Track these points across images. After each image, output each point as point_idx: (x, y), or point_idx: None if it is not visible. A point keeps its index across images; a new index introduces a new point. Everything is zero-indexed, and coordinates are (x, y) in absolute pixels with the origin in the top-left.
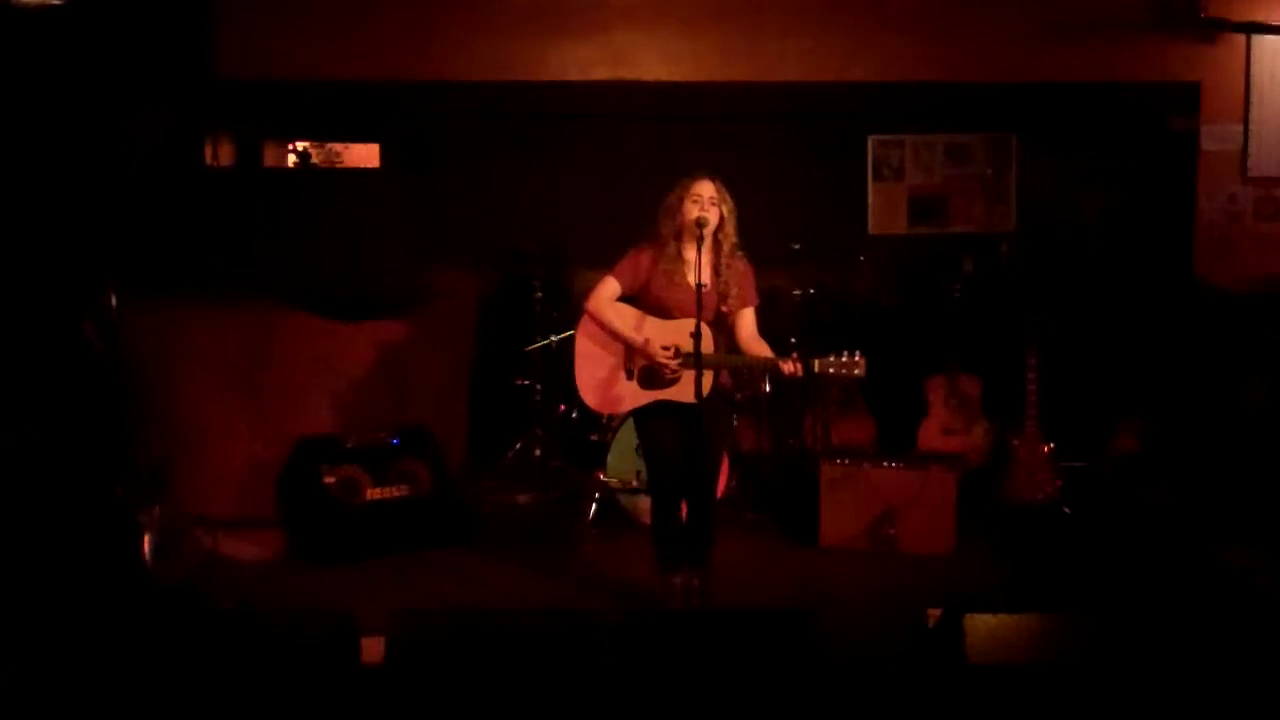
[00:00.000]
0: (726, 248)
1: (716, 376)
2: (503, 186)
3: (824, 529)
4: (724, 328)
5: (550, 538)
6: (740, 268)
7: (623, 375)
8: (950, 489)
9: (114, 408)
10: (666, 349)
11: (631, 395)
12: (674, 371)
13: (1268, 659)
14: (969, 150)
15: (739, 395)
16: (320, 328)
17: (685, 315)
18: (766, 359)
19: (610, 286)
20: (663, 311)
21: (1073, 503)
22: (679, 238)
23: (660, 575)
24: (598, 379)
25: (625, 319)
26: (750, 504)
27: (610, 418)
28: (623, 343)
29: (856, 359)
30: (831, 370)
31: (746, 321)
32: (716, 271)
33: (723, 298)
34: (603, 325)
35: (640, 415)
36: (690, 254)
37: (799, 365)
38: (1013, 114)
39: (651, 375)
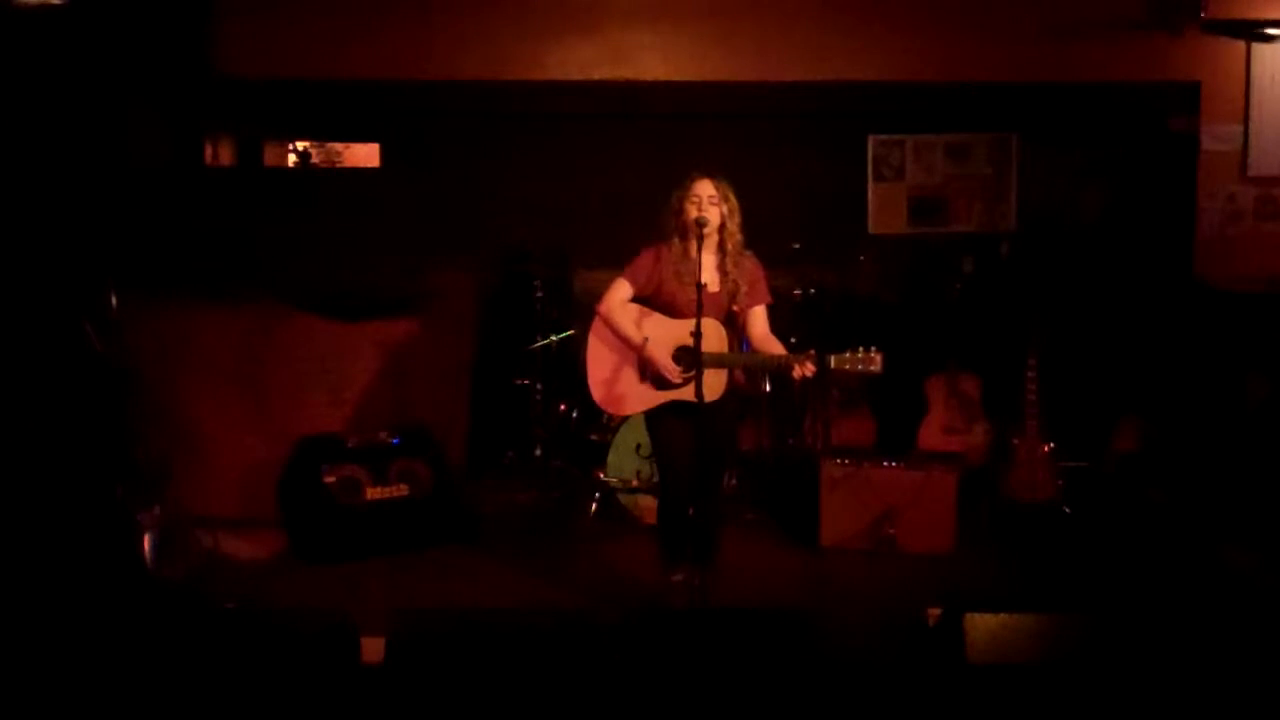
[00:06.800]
0: (731, 246)
1: (730, 375)
2: (503, 186)
3: (824, 529)
4: (734, 326)
5: (550, 537)
6: (749, 266)
7: (635, 375)
8: (950, 489)
9: (114, 407)
10: (677, 361)
11: (644, 396)
12: (683, 377)
13: (1268, 659)
14: (969, 150)
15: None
16: (320, 328)
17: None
18: (779, 357)
19: (623, 289)
20: (673, 311)
21: (1073, 502)
22: (683, 237)
23: (662, 574)
24: (610, 380)
25: (633, 320)
26: (750, 504)
27: (611, 417)
28: (630, 347)
29: (873, 354)
30: (848, 367)
31: (758, 320)
32: (723, 271)
33: (731, 297)
34: (614, 328)
35: (652, 414)
36: (694, 253)
37: (811, 367)
38: (1013, 114)
39: (664, 376)
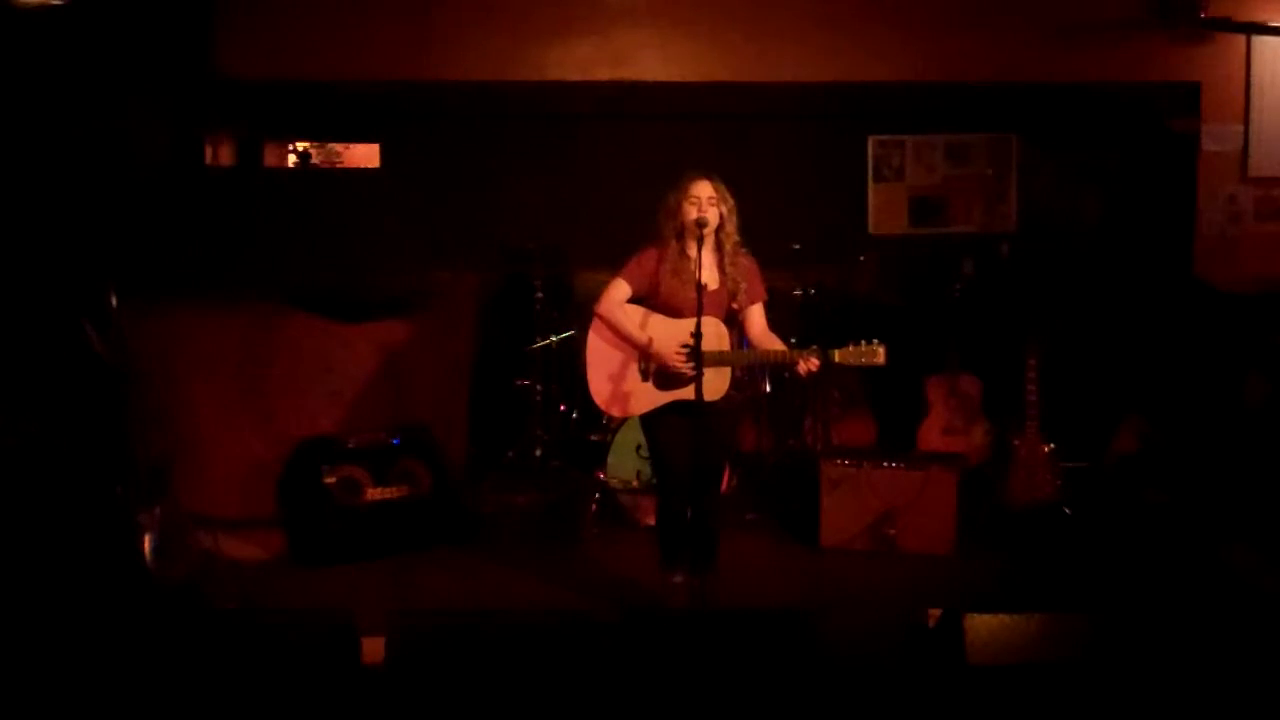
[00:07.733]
0: (729, 245)
1: (733, 373)
2: (503, 186)
3: (824, 529)
4: (735, 325)
5: (550, 538)
6: (745, 263)
7: (637, 376)
8: (950, 489)
9: (114, 408)
10: (679, 352)
11: (646, 396)
12: (690, 371)
13: (1268, 659)
14: (969, 150)
15: (743, 395)
16: (320, 328)
17: (695, 314)
18: (783, 352)
19: (620, 289)
20: (673, 311)
21: (1073, 503)
22: (681, 238)
23: (662, 574)
24: (611, 380)
25: (633, 320)
26: (750, 504)
27: (611, 418)
28: (632, 345)
29: (875, 347)
30: (851, 360)
31: (756, 317)
32: (722, 270)
33: (731, 295)
34: (613, 328)
35: (649, 416)
36: (694, 253)
37: (816, 361)
38: (1013, 114)
39: (666, 375)
